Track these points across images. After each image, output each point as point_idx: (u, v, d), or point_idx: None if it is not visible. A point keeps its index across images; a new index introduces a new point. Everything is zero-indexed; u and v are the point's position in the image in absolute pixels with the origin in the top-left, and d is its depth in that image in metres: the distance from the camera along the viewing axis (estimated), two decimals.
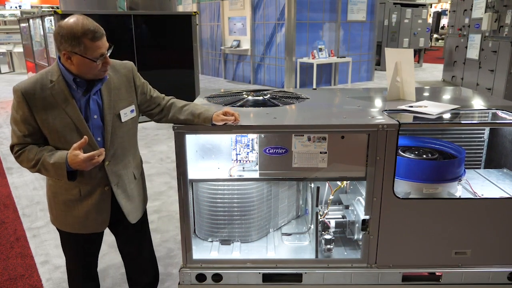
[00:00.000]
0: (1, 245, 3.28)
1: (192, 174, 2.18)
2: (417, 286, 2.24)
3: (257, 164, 2.18)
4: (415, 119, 2.23)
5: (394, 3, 13.04)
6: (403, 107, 2.38)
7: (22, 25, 9.63)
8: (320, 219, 2.28)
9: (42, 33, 7.45)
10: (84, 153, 1.67)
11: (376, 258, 2.19)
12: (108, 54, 1.71)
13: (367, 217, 2.12)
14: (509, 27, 7.91)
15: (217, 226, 2.36)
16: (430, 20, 17.42)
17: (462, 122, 2.32)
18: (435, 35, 21.03)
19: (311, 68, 9.81)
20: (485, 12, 8.59)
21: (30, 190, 4.38)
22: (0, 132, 6.80)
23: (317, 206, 2.28)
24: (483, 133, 2.80)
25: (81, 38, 1.61)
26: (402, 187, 2.25)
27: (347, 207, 2.49)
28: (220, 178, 2.25)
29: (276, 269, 2.21)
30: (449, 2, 12.76)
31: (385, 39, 13.28)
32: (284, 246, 2.37)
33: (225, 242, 2.38)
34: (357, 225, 2.28)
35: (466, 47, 9.59)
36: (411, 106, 2.37)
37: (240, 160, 2.31)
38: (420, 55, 14.32)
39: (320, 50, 9.90)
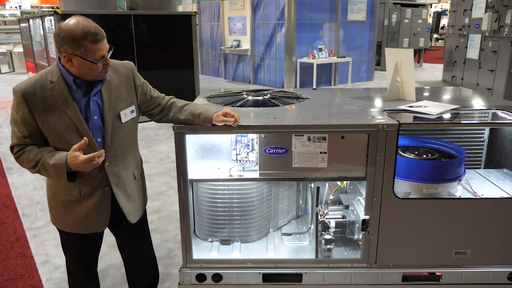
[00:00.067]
0: (1, 245, 3.28)
1: (192, 174, 2.18)
2: (417, 286, 2.24)
3: (257, 164, 2.18)
4: (415, 119, 2.23)
5: (394, 3, 13.04)
6: (403, 107, 2.38)
7: (22, 25, 9.63)
8: (320, 219, 2.28)
9: (42, 33, 7.45)
10: (84, 154, 1.67)
11: (376, 258, 2.19)
12: (109, 56, 1.71)
13: (367, 217, 2.12)
14: (509, 27, 7.91)
15: (217, 226, 2.36)
16: (430, 20, 17.42)
17: (462, 122, 2.32)
18: (435, 35, 21.04)
19: (311, 68, 9.81)
20: (485, 12, 8.59)
21: (30, 190, 4.38)
22: (0, 132, 6.80)
23: (317, 206, 2.28)
24: (483, 133, 2.80)
25: (81, 41, 1.60)
26: (402, 187, 2.25)
27: (347, 207, 2.49)
28: (220, 178, 2.25)
29: (276, 269, 2.21)
30: (449, 2, 12.76)
31: (385, 39, 13.28)
32: (284, 246, 2.37)
33: (225, 242, 2.38)
34: (357, 225, 2.28)
35: (466, 47, 9.59)
36: (411, 106, 2.37)
37: (240, 160, 2.31)
38: (420, 55, 14.33)
39: (320, 50, 9.91)
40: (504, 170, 2.68)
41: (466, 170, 2.40)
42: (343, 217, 2.39)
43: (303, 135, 2.06)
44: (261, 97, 2.56)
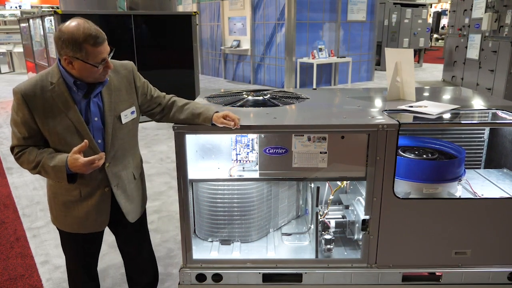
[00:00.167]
0: (1, 245, 3.28)
1: (192, 174, 2.18)
2: (417, 286, 2.24)
3: (257, 164, 2.18)
4: (415, 119, 2.23)
5: (394, 3, 13.04)
6: (403, 107, 2.38)
7: (22, 25, 9.64)
8: (320, 219, 2.28)
9: (42, 33, 7.45)
10: (84, 155, 1.67)
11: (376, 258, 2.19)
12: (109, 58, 1.71)
13: (367, 217, 2.12)
14: (509, 27, 7.91)
15: (217, 226, 2.36)
16: (430, 20, 17.42)
17: (462, 122, 2.32)
18: (435, 35, 21.04)
19: (311, 68, 9.81)
20: (485, 12, 8.59)
21: (30, 190, 4.38)
22: (0, 132, 6.80)
23: (317, 206, 2.28)
24: (483, 133, 2.80)
25: (82, 44, 1.59)
26: (402, 187, 2.25)
27: (347, 207, 2.49)
28: (220, 178, 2.25)
29: (276, 269, 2.21)
30: (449, 2, 12.76)
31: (385, 39, 13.28)
32: (284, 246, 2.37)
33: (225, 242, 2.38)
34: (357, 225, 2.28)
35: (466, 47, 9.59)
36: (411, 106, 2.37)
37: (240, 160, 2.31)
38: (420, 55, 14.33)
39: (320, 50, 9.91)
40: (504, 170, 2.68)
41: (466, 170, 2.40)
42: (343, 217, 2.39)
43: (303, 135, 2.06)
44: (261, 97, 2.56)
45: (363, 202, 2.19)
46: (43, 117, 1.69)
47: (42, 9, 13.24)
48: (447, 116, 2.27)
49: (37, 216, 3.78)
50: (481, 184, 2.52)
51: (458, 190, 2.30)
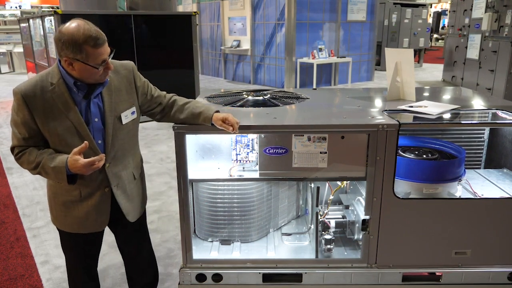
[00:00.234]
0: (1, 245, 3.28)
1: (192, 174, 2.18)
2: (417, 286, 2.24)
3: (257, 164, 2.18)
4: (415, 119, 2.23)
5: (394, 3, 13.04)
6: (403, 107, 2.38)
7: (22, 25, 9.63)
8: (320, 219, 2.28)
9: (42, 33, 7.45)
10: (85, 156, 1.67)
11: (376, 258, 2.19)
12: (110, 59, 1.71)
13: (367, 217, 2.12)
14: (509, 27, 7.90)
15: (217, 226, 2.36)
16: (430, 20, 17.42)
17: (462, 122, 2.32)
18: (435, 35, 21.04)
19: (311, 68, 9.81)
20: (485, 12, 8.59)
21: (30, 190, 4.38)
22: (0, 132, 6.80)
23: (317, 206, 2.28)
24: (483, 133, 2.80)
25: (82, 46, 1.59)
26: (402, 187, 2.25)
27: (347, 207, 2.49)
28: (220, 178, 2.25)
29: (276, 269, 2.21)
30: (449, 2, 12.76)
31: (385, 39, 13.28)
32: (284, 246, 2.37)
33: (225, 242, 2.38)
34: (357, 225, 2.28)
35: (466, 47, 9.59)
36: (411, 106, 2.37)
37: (240, 160, 2.31)
38: (420, 55, 14.32)
39: (320, 50, 9.90)
40: (504, 170, 2.68)
41: (466, 170, 2.40)
42: (343, 217, 2.39)
43: (303, 135, 2.06)
44: (261, 97, 2.56)
45: (363, 202, 2.19)
46: (43, 117, 1.69)
47: (42, 9, 13.25)
48: (447, 116, 2.27)
49: (37, 216, 3.78)
50: (481, 184, 2.52)
51: (458, 190, 2.30)
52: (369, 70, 11.53)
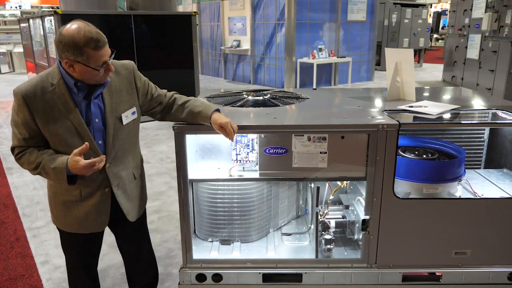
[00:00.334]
0: (1, 245, 3.28)
1: (192, 174, 2.18)
2: (417, 286, 2.24)
3: (257, 164, 2.18)
4: (415, 119, 2.23)
5: (394, 3, 13.04)
6: (403, 107, 2.38)
7: (22, 25, 9.63)
8: (320, 219, 2.28)
9: (42, 33, 7.45)
10: (85, 156, 1.66)
11: (376, 258, 2.19)
12: (110, 61, 1.70)
13: (367, 217, 2.12)
14: (509, 27, 7.91)
15: (217, 226, 2.36)
16: (430, 20, 17.42)
17: (462, 122, 2.32)
18: (435, 35, 21.04)
19: (311, 68, 9.81)
20: (485, 12, 8.59)
21: (30, 190, 4.38)
22: (0, 132, 6.80)
23: (317, 206, 2.28)
24: (483, 133, 2.80)
25: (83, 48, 1.59)
26: (402, 187, 2.25)
27: (347, 207, 2.49)
28: (220, 178, 2.25)
29: (276, 269, 2.21)
30: (449, 2, 12.76)
31: (385, 39, 13.28)
32: (284, 246, 2.37)
33: (225, 242, 2.38)
34: (357, 225, 2.28)
35: (466, 47, 9.59)
36: (411, 106, 2.37)
37: (240, 160, 2.31)
38: (420, 55, 14.33)
39: (320, 50, 9.91)
40: (504, 170, 2.68)
41: (466, 170, 2.40)
42: (343, 217, 2.39)
43: (303, 135, 2.06)
44: (261, 97, 2.56)
45: (363, 202, 2.19)
46: (43, 118, 1.69)
47: (42, 9, 13.25)
48: (447, 116, 2.27)
49: (37, 216, 3.78)
50: (481, 184, 2.52)
51: (458, 190, 2.30)
52: (369, 70, 11.53)
